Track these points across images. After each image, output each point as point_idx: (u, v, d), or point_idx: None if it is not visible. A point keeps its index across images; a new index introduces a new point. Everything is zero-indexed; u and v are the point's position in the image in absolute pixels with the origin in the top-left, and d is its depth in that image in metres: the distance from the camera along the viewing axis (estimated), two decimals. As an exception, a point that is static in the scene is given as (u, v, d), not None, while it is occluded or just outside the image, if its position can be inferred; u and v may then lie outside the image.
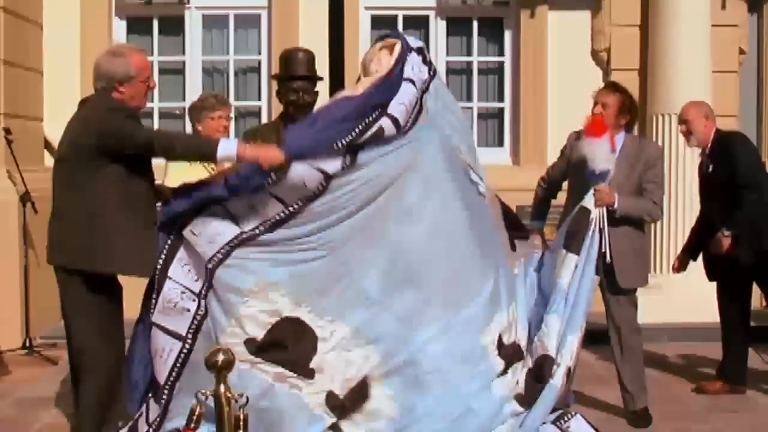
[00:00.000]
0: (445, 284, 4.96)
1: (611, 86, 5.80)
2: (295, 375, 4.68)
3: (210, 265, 4.61)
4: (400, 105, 4.77)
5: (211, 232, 4.62)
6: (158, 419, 4.67)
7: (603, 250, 5.39)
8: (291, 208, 4.61)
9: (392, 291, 4.83)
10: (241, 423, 3.43)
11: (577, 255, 5.27)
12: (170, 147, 4.62)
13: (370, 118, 4.67)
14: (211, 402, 3.52)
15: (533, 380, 5.13)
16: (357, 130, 4.62)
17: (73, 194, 4.58)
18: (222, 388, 3.38)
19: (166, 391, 4.66)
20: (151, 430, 4.67)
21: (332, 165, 4.61)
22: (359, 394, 4.75)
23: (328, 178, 4.61)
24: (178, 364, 4.63)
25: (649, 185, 5.59)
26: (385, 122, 4.70)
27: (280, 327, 4.69)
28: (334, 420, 4.70)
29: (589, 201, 5.38)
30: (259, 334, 4.66)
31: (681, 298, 7.94)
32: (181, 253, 4.67)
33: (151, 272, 4.67)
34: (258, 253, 4.65)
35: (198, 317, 4.65)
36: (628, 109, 5.64)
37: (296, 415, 4.64)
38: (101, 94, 4.63)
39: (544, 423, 5.09)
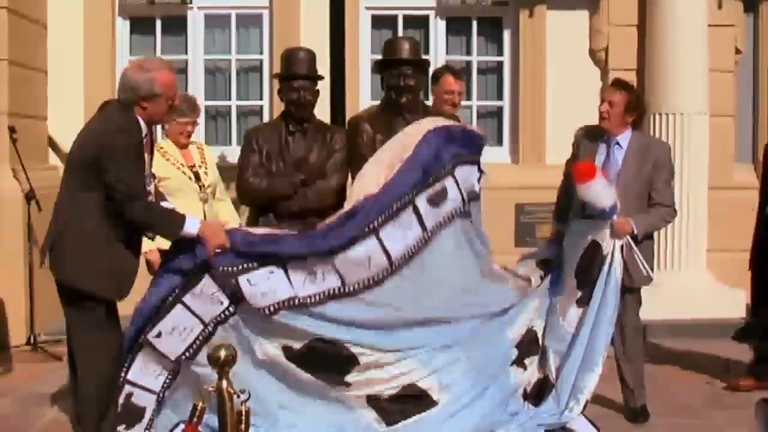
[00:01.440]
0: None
1: (617, 84, 5.76)
2: (329, 386, 4.90)
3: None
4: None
5: (267, 289, 4.74)
6: (166, 384, 4.87)
7: (645, 275, 5.51)
8: (348, 288, 4.82)
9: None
10: (243, 418, 3.45)
11: (584, 291, 5.41)
12: (141, 217, 4.59)
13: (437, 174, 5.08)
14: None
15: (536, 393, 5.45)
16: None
17: (67, 198, 4.65)
18: (224, 383, 3.40)
19: (173, 366, 4.83)
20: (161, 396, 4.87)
21: (398, 250, 4.89)
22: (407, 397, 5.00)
23: (391, 267, 4.87)
24: (195, 345, 4.76)
25: (659, 185, 5.60)
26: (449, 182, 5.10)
27: (317, 344, 4.87)
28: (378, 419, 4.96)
29: (601, 236, 5.39)
30: (297, 345, 4.86)
31: (679, 294, 8.00)
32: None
33: (119, 296, 4.68)
34: (306, 317, 4.83)
35: (227, 313, 4.78)
36: (634, 108, 5.64)
37: (330, 405, 4.94)
38: (121, 107, 4.64)
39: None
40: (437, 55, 9.11)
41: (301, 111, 5.55)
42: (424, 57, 6.00)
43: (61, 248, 4.60)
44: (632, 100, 5.63)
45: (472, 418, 5.06)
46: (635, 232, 5.44)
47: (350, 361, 4.88)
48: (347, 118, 5.77)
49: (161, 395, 4.86)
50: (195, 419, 3.59)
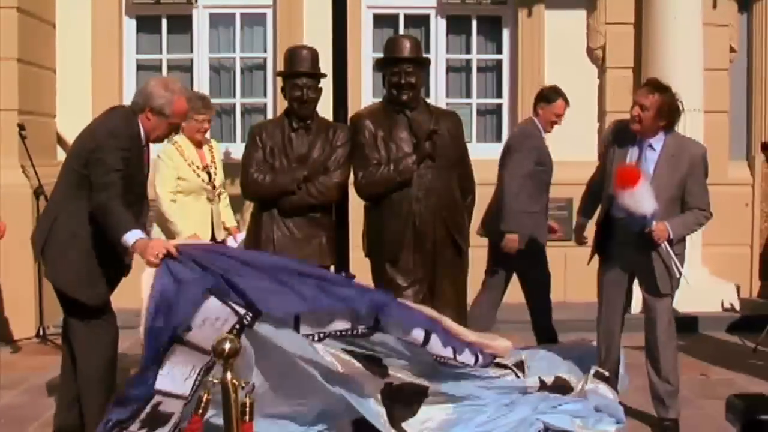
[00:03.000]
0: None
1: (652, 86, 5.37)
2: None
3: None
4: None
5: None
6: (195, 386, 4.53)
7: (677, 276, 5.35)
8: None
9: None
10: (247, 409, 3.43)
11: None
12: (102, 210, 4.55)
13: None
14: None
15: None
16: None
17: (60, 198, 4.77)
18: (228, 375, 3.37)
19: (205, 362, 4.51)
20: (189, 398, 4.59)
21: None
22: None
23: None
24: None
25: (694, 188, 5.33)
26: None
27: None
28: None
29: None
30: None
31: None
32: None
33: (101, 302, 4.73)
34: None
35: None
36: (668, 112, 5.27)
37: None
38: (128, 111, 4.77)
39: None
40: (438, 54, 9.24)
41: (304, 108, 5.61)
42: (424, 55, 6.07)
43: (50, 250, 4.71)
44: (666, 104, 5.26)
45: None
46: (671, 236, 5.25)
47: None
48: (349, 115, 5.84)
49: (190, 397, 4.47)
50: (200, 411, 3.55)
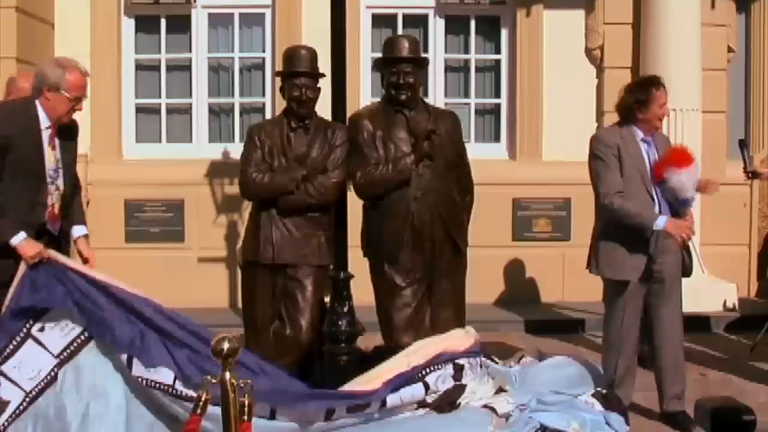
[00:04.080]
0: None
1: (663, 85, 5.57)
2: None
3: None
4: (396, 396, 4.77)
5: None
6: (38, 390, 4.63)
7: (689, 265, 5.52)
8: None
9: None
10: (246, 409, 3.41)
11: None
12: None
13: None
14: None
15: None
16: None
17: None
18: (227, 375, 3.36)
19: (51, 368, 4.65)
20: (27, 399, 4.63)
21: None
22: None
23: None
24: (74, 344, 4.66)
25: None
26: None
27: None
28: None
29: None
30: None
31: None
32: None
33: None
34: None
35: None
36: None
37: None
38: (19, 99, 4.92)
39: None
40: (436, 54, 9.26)
41: (303, 108, 5.64)
42: (423, 55, 6.09)
43: None
44: None
45: None
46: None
47: None
48: (348, 114, 5.86)
49: (28, 398, 4.60)
50: (199, 410, 3.51)
